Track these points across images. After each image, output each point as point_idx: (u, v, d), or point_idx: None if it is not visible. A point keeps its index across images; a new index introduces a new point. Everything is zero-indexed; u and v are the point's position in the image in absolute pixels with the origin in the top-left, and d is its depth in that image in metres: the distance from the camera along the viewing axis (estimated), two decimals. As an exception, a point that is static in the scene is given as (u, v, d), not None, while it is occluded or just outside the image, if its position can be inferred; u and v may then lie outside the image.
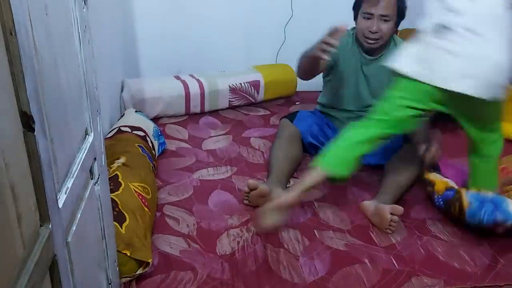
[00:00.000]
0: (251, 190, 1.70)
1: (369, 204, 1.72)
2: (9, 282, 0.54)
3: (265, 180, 1.91)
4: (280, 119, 2.21)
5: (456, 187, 1.70)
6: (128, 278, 1.32)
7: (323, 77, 2.16)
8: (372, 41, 1.93)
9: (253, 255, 1.50)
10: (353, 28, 2.05)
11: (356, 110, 2.08)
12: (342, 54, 2.01)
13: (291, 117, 2.15)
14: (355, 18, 1.98)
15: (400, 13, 1.92)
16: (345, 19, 2.76)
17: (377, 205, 1.66)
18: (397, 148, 1.99)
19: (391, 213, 1.60)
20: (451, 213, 1.65)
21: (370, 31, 1.90)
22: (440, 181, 1.75)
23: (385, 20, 1.88)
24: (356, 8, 1.96)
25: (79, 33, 0.89)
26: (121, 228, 1.35)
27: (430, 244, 1.57)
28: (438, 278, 1.42)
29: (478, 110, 1.53)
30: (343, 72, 2.04)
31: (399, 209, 1.62)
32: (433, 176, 1.78)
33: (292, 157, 1.96)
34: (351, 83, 2.05)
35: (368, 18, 1.89)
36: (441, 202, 1.69)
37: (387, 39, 1.95)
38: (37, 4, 0.66)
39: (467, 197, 1.56)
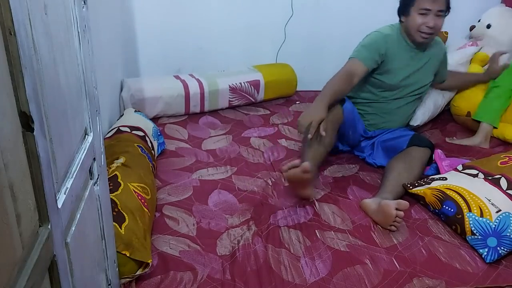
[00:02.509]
0: (303, 171, 1.63)
1: (370, 202, 1.71)
2: (8, 283, 0.53)
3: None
4: None
5: (442, 183, 1.71)
6: (128, 279, 1.32)
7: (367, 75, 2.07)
8: (427, 36, 1.97)
9: (254, 255, 1.49)
10: (399, 23, 2.07)
11: (402, 97, 2.12)
12: (391, 49, 2.02)
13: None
14: (404, 13, 2.00)
15: (449, 8, 1.98)
16: (345, 19, 2.78)
17: (381, 201, 1.65)
18: (400, 149, 2.00)
19: (397, 209, 1.59)
20: (451, 229, 1.65)
21: (427, 27, 1.93)
22: (427, 190, 1.74)
23: (440, 16, 1.94)
24: (407, 4, 1.97)
25: (78, 32, 0.88)
26: (121, 228, 1.35)
27: (431, 245, 1.57)
28: (440, 279, 1.42)
29: None
30: (393, 66, 2.04)
31: (405, 204, 1.60)
32: (417, 189, 1.78)
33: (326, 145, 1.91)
34: (400, 75, 2.06)
35: (425, 14, 1.92)
36: (442, 217, 1.69)
37: (437, 33, 2.01)
38: (36, 4, 0.65)
39: (470, 222, 1.55)
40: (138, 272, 1.33)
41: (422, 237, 1.61)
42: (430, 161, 2.01)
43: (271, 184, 1.93)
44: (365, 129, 2.17)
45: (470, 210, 1.57)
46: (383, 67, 2.04)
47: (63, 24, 0.81)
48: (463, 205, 1.60)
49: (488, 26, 2.70)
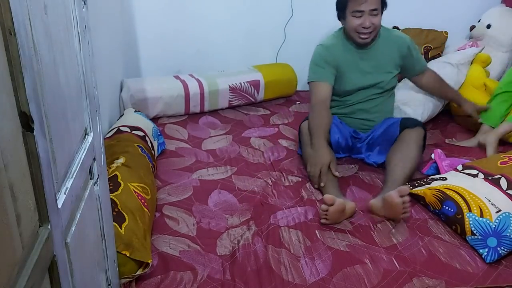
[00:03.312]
0: (330, 205, 1.62)
1: (376, 202, 1.73)
2: (8, 283, 0.53)
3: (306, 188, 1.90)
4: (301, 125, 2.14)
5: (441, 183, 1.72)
6: (128, 279, 1.32)
7: None
8: (366, 36, 1.98)
9: (254, 255, 1.49)
10: (340, 29, 2.09)
11: (366, 98, 2.12)
12: (338, 57, 2.05)
13: None
14: (342, 17, 2.03)
15: (384, 3, 2.00)
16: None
17: (383, 196, 1.67)
18: (394, 137, 2.03)
19: (400, 196, 1.60)
20: (452, 229, 1.65)
21: (363, 27, 1.95)
22: (427, 190, 1.74)
23: (375, 14, 1.95)
24: (342, 8, 2.00)
25: (78, 33, 0.89)
26: (121, 228, 1.35)
27: (431, 245, 1.57)
28: (440, 278, 1.42)
29: None
30: (345, 72, 2.07)
31: (405, 188, 1.62)
32: (417, 190, 1.78)
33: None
34: (354, 78, 2.08)
35: (359, 16, 1.95)
36: (442, 217, 1.69)
37: (378, 30, 2.03)
38: (36, 4, 0.65)
39: (470, 222, 1.55)
40: (138, 272, 1.33)
41: (422, 237, 1.61)
42: (425, 142, 2.03)
43: (271, 184, 1.93)
44: (354, 130, 2.15)
45: (470, 210, 1.57)
46: (337, 75, 2.07)
47: (63, 24, 0.81)
48: (463, 205, 1.60)
49: (488, 26, 2.70)
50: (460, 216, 1.59)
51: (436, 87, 2.31)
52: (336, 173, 1.86)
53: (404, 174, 1.84)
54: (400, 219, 1.64)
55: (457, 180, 1.72)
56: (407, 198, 1.60)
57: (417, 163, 1.93)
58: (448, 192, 1.67)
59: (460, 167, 1.83)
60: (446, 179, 1.76)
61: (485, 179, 1.68)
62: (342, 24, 2.06)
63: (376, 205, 1.71)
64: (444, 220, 1.68)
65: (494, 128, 2.29)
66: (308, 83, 2.10)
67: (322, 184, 1.84)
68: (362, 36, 1.98)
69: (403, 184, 1.80)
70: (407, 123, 2.03)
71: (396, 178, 1.83)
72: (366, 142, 2.14)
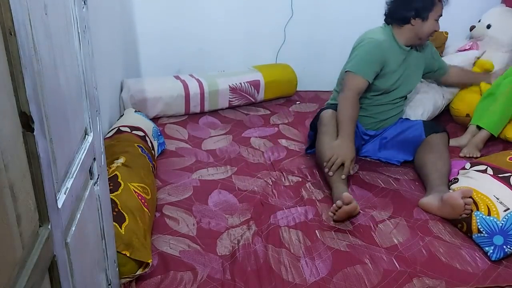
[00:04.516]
0: (346, 204, 1.62)
1: (429, 200, 1.74)
2: (8, 283, 0.53)
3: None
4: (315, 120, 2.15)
5: None
6: (128, 279, 1.32)
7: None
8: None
9: (254, 255, 1.49)
10: (387, 27, 2.07)
11: (393, 99, 2.13)
12: (387, 55, 2.02)
13: None
14: (423, 18, 1.98)
15: None
16: (344, 19, 2.78)
17: (443, 196, 1.67)
18: (418, 139, 2.06)
19: (463, 197, 1.60)
20: (457, 227, 1.66)
21: (436, 31, 2.02)
22: None
23: None
24: (426, 10, 1.97)
25: (78, 33, 0.89)
26: (121, 228, 1.35)
27: (432, 245, 1.57)
28: (440, 279, 1.42)
29: None
30: (388, 71, 2.04)
31: (469, 191, 1.63)
32: None
33: None
34: (394, 78, 2.07)
35: (438, 20, 2.00)
36: None
37: None
38: (36, 4, 0.65)
39: (477, 221, 1.56)
40: (138, 272, 1.33)
41: (423, 237, 1.61)
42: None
43: (271, 184, 1.93)
44: (364, 130, 2.15)
45: (477, 209, 1.58)
46: (380, 73, 2.04)
47: (63, 24, 0.81)
48: (473, 208, 1.61)
49: (488, 26, 2.70)
50: (467, 215, 1.59)
51: (459, 81, 2.45)
52: (351, 171, 1.89)
53: (446, 176, 1.87)
54: (457, 218, 1.64)
55: (466, 181, 1.73)
56: (469, 200, 1.61)
57: (449, 162, 1.96)
58: None
59: (468, 165, 1.83)
60: (458, 180, 1.78)
61: (494, 176, 1.68)
62: (413, 25, 1.99)
63: (431, 204, 1.73)
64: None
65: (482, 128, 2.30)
66: (347, 71, 2.03)
67: (351, 172, 1.88)
68: (429, 39, 2.06)
69: (447, 180, 1.84)
70: (433, 128, 2.08)
71: (441, 175, 1.85)
72: (378, 141, 2.16)
